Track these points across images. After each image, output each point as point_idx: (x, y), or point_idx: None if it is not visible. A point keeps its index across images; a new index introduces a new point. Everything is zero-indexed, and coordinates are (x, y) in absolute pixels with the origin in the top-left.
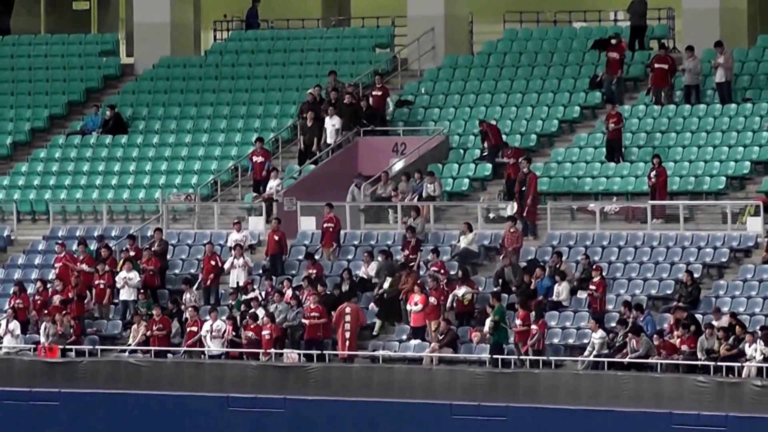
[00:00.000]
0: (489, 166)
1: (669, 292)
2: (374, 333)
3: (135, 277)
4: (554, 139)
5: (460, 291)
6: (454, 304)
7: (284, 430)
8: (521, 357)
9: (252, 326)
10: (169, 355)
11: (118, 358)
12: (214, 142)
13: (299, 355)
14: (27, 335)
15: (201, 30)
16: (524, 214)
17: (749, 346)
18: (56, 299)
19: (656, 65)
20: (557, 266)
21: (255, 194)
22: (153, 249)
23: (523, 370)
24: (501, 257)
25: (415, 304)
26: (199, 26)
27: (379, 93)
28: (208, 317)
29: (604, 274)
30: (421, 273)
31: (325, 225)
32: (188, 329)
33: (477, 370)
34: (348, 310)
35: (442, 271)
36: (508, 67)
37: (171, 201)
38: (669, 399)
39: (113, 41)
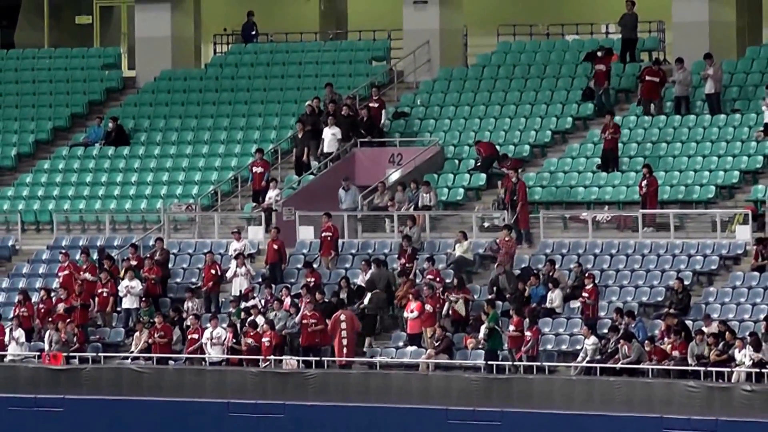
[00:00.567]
0: (483, 176)
1: (660, 299)
2: (364, 349)
3: (137, 285)
4: (547, 150)
5: (456, 299)
6: (450, 312)
7: None
8: (515, 363)
9: (252, 333)
10: (171, 361)
11: (120, 365)
12: (214, 153)
13: (298, 361)
14: (31, 343)
15: (201, 43)
16: (517, 223)
17: (739, 352)
18: (60, 307)
19: (647, 77)
20: (550, 274)
21: (254, 204)
22: (155, 258)
23: (518, 376)
24: (496, 265)
25: (411, 311)
26: (199, 40)
27: (376, 105)
28: (208, 325)
29: (596, 281)
30: (417, 281)
31: (323, 234)
32: (189, 336)
33: (472, 376)
34: (343, 317)
35: (438, 279)
36: (502, 79)
37: (172, 211)
38: (660, 404)
39: (115, 55)
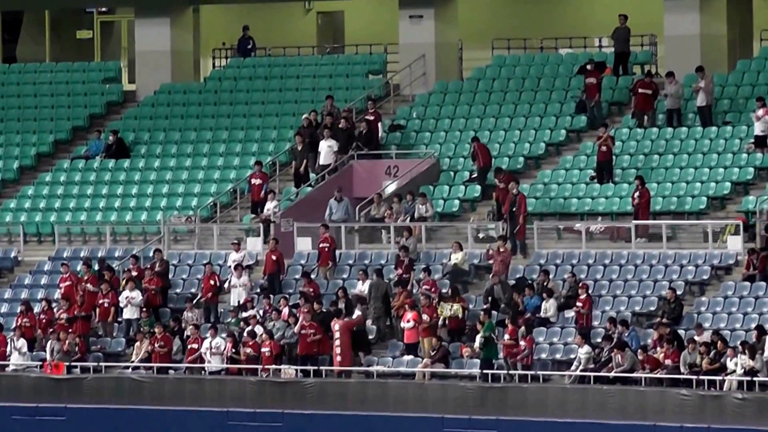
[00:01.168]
0: (478, 187)
1: (652, 308)
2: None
3: (137, 296)
4: (541, 162)
5: (450, 306)
6: (446, 321)
7: None
8: (510, 372)
9: (251, 343)
10: (171, 371)
11: (121, 374)
12: (213, 165)
13: (296, 370)
14: (33, 352)
15: (200, 57)
16: (516, 234)
17: (730, 360)
18: (63, 317)
19: (639, 90)
20: (545, 284)
21: (253, 215)
22: (155, 269)
23: (513, 385)
24: (491, 275)
25: (408, 321)
26: (198, 54)
27: (372, 118)
28: (208, 335)
29: (590, 291)
30: (414, 291)
31: (321, 245)
32: (189, 346)
33: (468, 385)
34: (336, 327)
35: (434, 289)
36: (497, 92)
37: (172, 222)
38: (653, 412)
39: (116, 69)
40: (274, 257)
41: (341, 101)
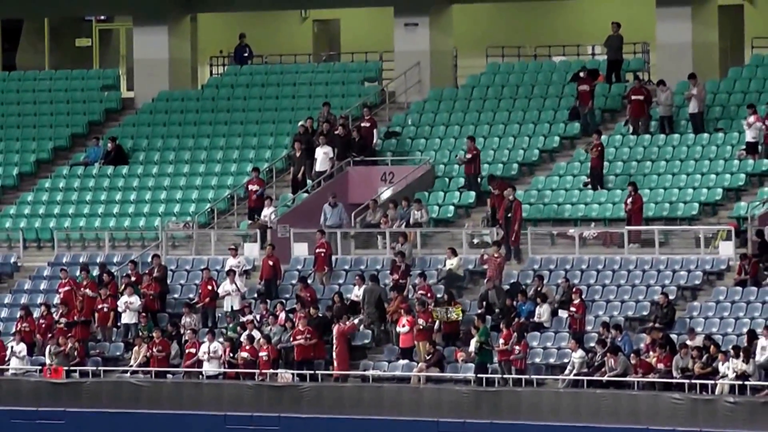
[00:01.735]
0: (473, 194)
1: (645, 313)
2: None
3: (136, 301)
4: (535, 168)
5: (446, 309)
6: (441, 326)
7: None
8: (505, 376)
9: (248, 347)
10: (169, 375)
11: (120, 378)
12: (210, 172)
13: (293, 375)
14: (33, 357)
15: (198, 65)
16: (511, 239)
17: (722, 365)
18: (62, 322)
19: (633, 97)
20: (539, 289)
21: (250, 221)
22: (153, 274)
23: (507, 389)
24: (486, 281)
25: (403, 326)
26: (196, 62)
27: (368, 124)
28: (205, 339)
29: (583, 296)
30: (409, 296)
31: (317, 250)
32: (187, 351)
33: (462, 389)
34: (334, 332)
35: (429, 294)
36: (491, 99)
37: (170, 228)
38: (646, 416)
39: (114, 76)
40: (270, 263)
41: (337, 108)
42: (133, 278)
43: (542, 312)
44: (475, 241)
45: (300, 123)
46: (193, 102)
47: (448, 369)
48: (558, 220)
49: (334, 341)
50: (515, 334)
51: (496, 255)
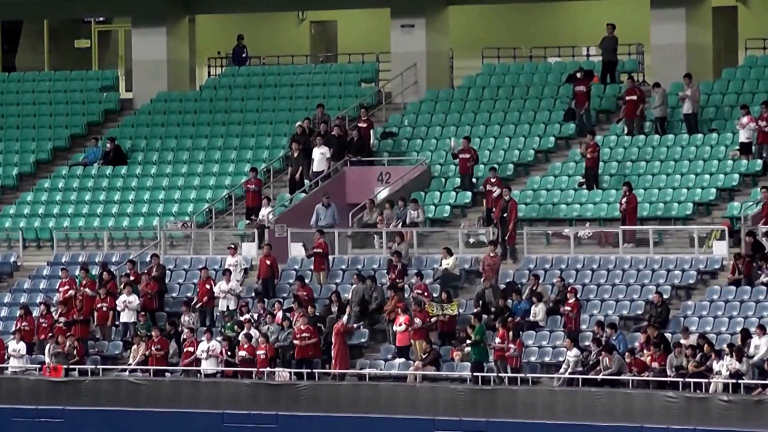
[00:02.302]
0: (469, 193)
1: (640, 312)
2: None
3: (135, 300)
4: (530, 168)
5: (441, 306)
6: (437, 324)
7: None
8: (500, 375)
9: (246, 346)
10: (167, 374)
11: (119, 377)
12: (208, 172)
13: (290, 373)
14: (32, 356)
15: (196, 66)
16: (506, 239)
17: (716, 363)
18: (61, 321)
19: (627, 97)
20: (534, 288)
21: (248, 221)
22: (151, 274)
23: (502, 387)
24: (482, 280)
25: (400, 324)
26: (194, 63)
27: (365, 125)
28: (203, 338)
29: (578, 295)
30: (406, 295)
31: (314, 250)
32: (185, 349)
33: (458, 387)
34: (333, 330)
35: (426, 293)
36: (487, 100)
37: (168, 228)
38: (640, 414)
39: (113, 77)
40: (268, 262)
41: (334, 109)
42: (131, 277)
43: (537, 311)
44: (471, 240)
45: (297, 123)
46: (192, 103)
47: (444, 368)
48: (553, 220)
49: (333, 340)
50: (511, 332)
51: (492, 255)
